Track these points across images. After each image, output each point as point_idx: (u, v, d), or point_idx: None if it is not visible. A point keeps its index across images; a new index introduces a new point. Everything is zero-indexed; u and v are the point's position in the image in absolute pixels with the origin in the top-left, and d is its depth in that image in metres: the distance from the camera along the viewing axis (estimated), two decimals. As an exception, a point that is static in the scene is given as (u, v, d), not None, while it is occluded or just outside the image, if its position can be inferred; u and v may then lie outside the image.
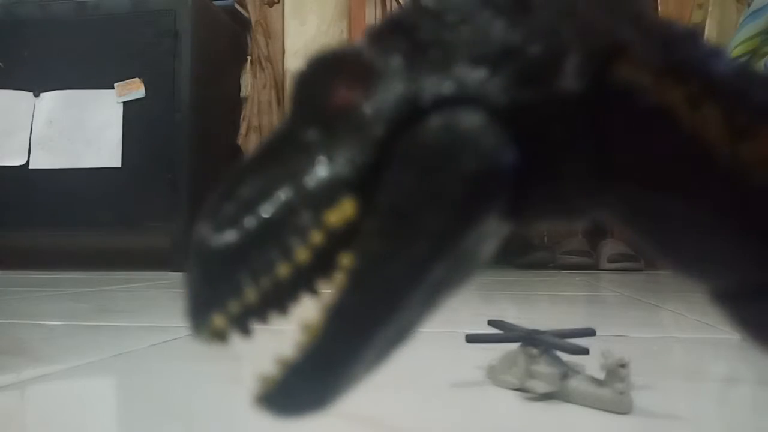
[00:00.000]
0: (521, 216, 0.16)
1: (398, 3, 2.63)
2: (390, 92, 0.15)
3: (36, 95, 1.90)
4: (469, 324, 0.77)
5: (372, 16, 2.24)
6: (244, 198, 0.16)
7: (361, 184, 0.15)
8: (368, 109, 0.15)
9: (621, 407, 0.37)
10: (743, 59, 1.61)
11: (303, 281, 0.16)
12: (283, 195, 0.15)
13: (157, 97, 1.85)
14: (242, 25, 2.29)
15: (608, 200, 0.16)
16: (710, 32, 1.85)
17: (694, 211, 0.15)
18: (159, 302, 1.10)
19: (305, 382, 0.16)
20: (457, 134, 0.14)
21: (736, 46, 1.64)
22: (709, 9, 1.86)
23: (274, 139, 0.16)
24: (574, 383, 0.39)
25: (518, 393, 0.42)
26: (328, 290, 0.16)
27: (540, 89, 0.15)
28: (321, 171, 0.15)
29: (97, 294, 1.21)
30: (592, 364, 0.41)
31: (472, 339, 0.48)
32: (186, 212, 1.82)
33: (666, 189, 0.15)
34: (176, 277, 1.61)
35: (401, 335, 0.17)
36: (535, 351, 0.42)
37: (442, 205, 0.14)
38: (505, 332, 0.47)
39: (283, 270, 0.16)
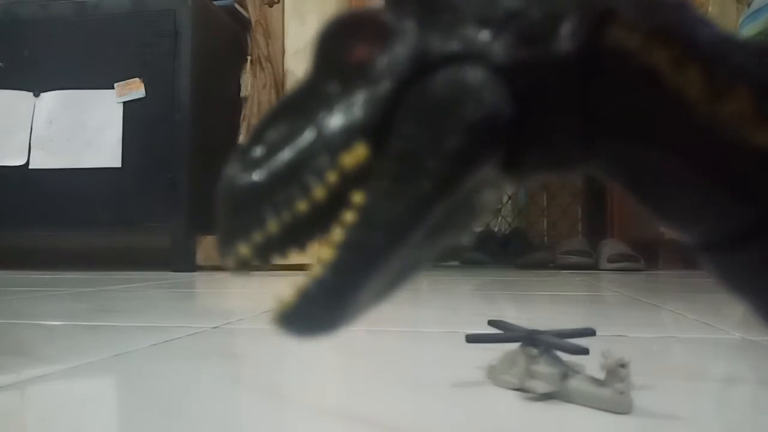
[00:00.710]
0: (519, 167, 0.18)
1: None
2: (402, 49, 0.17)
3: (36, 95, 1.90)
4: (469, 324, 0.77)
5: (372, 16, 2.24)
6: (269, 142, 0.18)
7: (374, 130, 0.17)
8: (382, 64, 0.17)
9: (621, 407, 0.37)
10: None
11: (320, 218, 0.18)
12: (303, 139, 0.17)
13: (157, 97, 1.85)
14: (242, 25, 2.29)
15: (597, 154, 0.17)
16: (710, 32, 1.85)
17: (675, 163, 0.16)
18: (159, 302, 1.10)
19: (317, 307, 0.18)
20: (460, 87, 0.16)
21: (736, 46, 1.65)
22: (709, 9, 1.86)
23: (298, 91, 0.18)
24: (574, 383, 0.39)
25: (518, 393, 0.42)
26: (340, 229, 0.18)
27: (538, 49, 0.16)
28: (338, 118, 0.17)
29: (97, 294, 1.21)
30: (592, 364, 0.41)
31: (472, 339, 0.48)
32: (186, 212, 1.83)
33: (649, 143, 0.16)
34: (176, 277, 1.61)
35: (406, 271, 0.19)
36: (535, 351, 0.42)
37: (445, 150, 0.16)
38: (505, 332, 0.47)
39: (302, 206, 0.18)
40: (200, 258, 1.89)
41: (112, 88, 1.86)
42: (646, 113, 0.16)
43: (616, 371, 0.38)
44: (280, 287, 0.18)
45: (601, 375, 0.39)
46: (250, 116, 2.21)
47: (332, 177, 0.17)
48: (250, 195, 0.18)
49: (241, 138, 2.19)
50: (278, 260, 0.18)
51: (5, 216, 1.87)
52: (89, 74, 1.88)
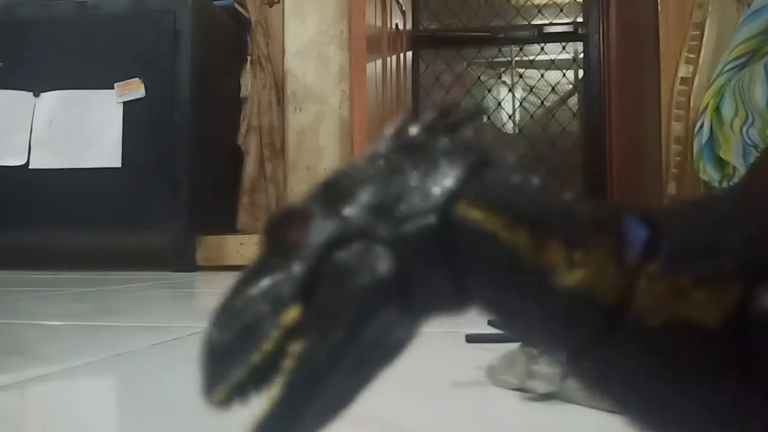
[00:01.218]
0: (413, 312, 0.23)
1: (398, 3, 2.63)
2: (317, 233, 0.23)
3: (36, 95, 1.90)
4: (469, 324, 0.77)
5: (372, 16, 2.25)
6: (234, 307, 0.24)
7: (302, 295, 0.23)
8: (306, 245, 0.23)
9: (621, 407, 0.37)
10: (743, 59, 1.61)
11: (271, 366, 0.23)
12: (255, 305, 0.24)
13: (157, 97, 1.85)
14: (242, 25, 2.29)
15: (472, 297, 0.23)
16: (710, 32, 1.85)
17: (519, 302, 0.21)
18: (159, 302, 1.10)
19: None
20: (355, 259, 0.22)
21: (736, 46, 1.64)
22: (709, 9, 1.86)
23: (255, 265, 0.24)
24: (574, 383, 0.39)
25: (518, 393, 0.42)
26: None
27: (411, 225, 0.22)
28: (279, 287, 0.23)
29: (97, 294, 1.21)
30: (592, 364, 0.41)
31: (472, 339, 0.48)
32: (186, 212, 1.83)
33: (499, 288, 0.21)
34: (176, 277, 1.62)
35: (345, 398, 0.24)
36: (535, 351, 0.42)
37: (349, 306, 0.22)
38: (505, 332, 0.47)
39: (255, 358, 0.23)
40: (200, 258, 1.89)
41: (112, 88, 1.86)
42: (491, 267, 0.21)
43: (616, 371, 0.38)
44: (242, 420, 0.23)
45: (601, 375, 0.39)
46: (250, 116, 2.21)
47: (275, 333, 0.23)
48: (219, 352, 0.24)
49: (241, 138, 2.19)
50: (252, 397, 0.24)
51: (5, 216, 1.87)
52: (89, 74, 1.88)
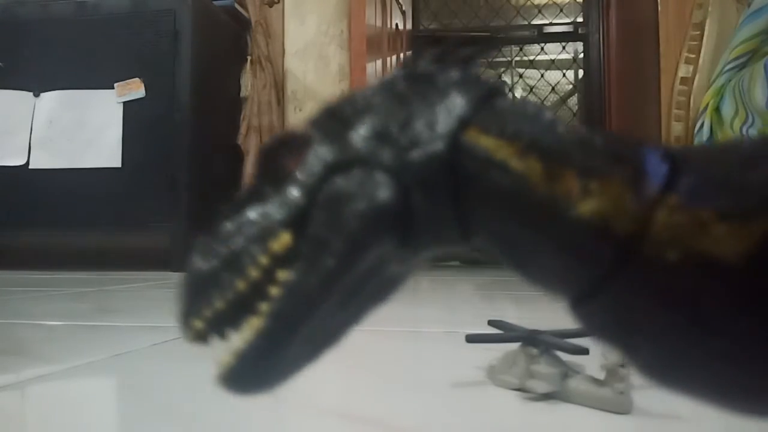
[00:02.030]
0: (412, 246, 0.22)
1: (398, 3, 2.63)
2: (316, 159, 0.22)
3: (36, 95, 1.90)
4: (469, 324, 0.77)
5: (372, 16, 2.24)
6: (221, 235, 0.23)
7: (294, 222, 0.22)
8: (302, 171, 0.22)
9: (621, 407, 0.37)
10: (743, 59, 1.61)
11: (257, 294, 0.22)
12: (244, 232, 0.22)
13: (157, 97, 1.85)
14: (242, 25, 2.29)
15: (474, 231, 0.22)
16: (710, 32, 1.85)
17: (527, 235, 0.20)
18: (159, 302, 1.10)
19: (251, 367, 0.22)
20: (355, 186, 0.21)
21: (736, 46, 1.64)
22: (709, 9, 1.86)
23: (245, 194, 0.23)
24: (574, 383, 0.39)
25: (518, 393, 0.42)
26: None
27: (416, 153, 0.21)
28: (269, 214, 0.22)
29: (97, 294, 1.21)
30: (592, 364, 0.41)
31: (472, 339, 0.48)
32: (186, 212, 1.83)
33: (506, 219, 0.20)
34: (176, 277, 1.61)
35: (335, 333, 0.23)
36: (535, 351, 0.42)
37: (344, 233, 0.21)
38: (505, 332, 0.47)
39: (241, 285, 0.22)
40: (200, 258, 1.89)
41: (112, 88, 1.86)
42: (501, 197, 0.20)
43: (616, 371, 0.38)
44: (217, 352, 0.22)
45: (601, 375, 0.39)
46: (250, 116, 2.21)
47: (263, 260, 0.22)
48: (202, 279, 0.22)
49: (241, 138, 2.19)
50: (229, 332, 0.22)
51: (5, 216, 1.86)
52: (89, 74, 1.88)
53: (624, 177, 0.18)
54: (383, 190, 0.21)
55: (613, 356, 0.38)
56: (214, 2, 2.15)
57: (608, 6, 2.62)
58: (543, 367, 0.41)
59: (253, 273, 0.22)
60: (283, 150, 0.23)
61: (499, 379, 0.43)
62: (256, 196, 0.23)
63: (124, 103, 1.86)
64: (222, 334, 0.23)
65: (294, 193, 0.22)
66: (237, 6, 2.26)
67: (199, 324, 0.23)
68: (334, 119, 0.23)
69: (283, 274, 0.21)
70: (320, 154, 0.22)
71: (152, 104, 1.85)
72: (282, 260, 0.22)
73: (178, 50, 1.86)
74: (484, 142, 0.21)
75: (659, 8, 1.93)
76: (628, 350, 0.19)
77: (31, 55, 1.91)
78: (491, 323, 0.49)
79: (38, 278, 1.55)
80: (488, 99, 0.22)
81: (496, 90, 0.22)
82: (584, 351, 0.41)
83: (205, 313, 0.22)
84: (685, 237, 0.17)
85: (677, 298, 0.17)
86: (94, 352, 0.60)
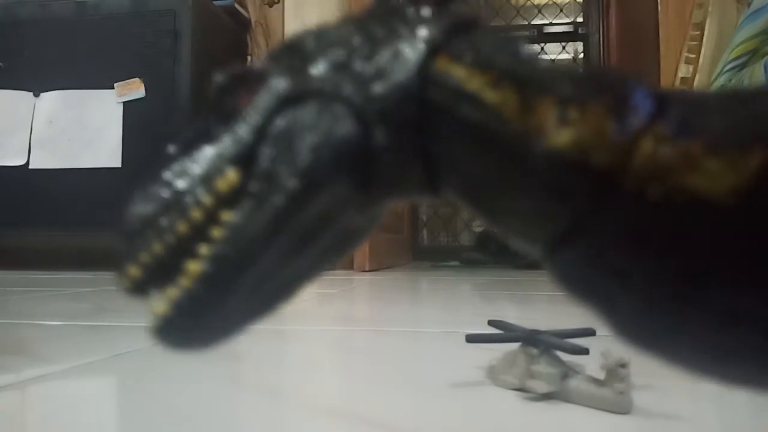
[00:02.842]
0: (371, 191, 0.20)
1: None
2: (269, 92, 0.20)
3: (36, 95, 1.90)
4: (469, 324, 0.77)
5: (372, 16, 2.24)
6: (162, 178, 0.20)
7: (242, 158, 0.20)
8: (253, 106, 0.20)
9: (621, 407, 0.37)
10: (743, 59, 1.61)
11: (199, 237, 0.20)
12: (187, 171, 0.20)
13: (157, 97, 1.85)
14: (242, 25, 2.29)
15: (440, 172, 0.20)
16: (710, 32, 1.85)
17: (498, 173, 0.18)
18: (159, 302, 1.10)
19: (189, 319, 0.19)
20: (311, 118, 0.19)
21: (736, 46, 1.64)
22: (709, 9, 1.86)
23: (192, 132, 0.21)
24: (574, 383, 0.39)
25: (518, 393, 0.42)
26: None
27: (379, 85, 0.19)
28: (214, 151, 0.20)
29: (97, 294, 1.21)
30: (592, 364, 0.41)
31: (472, 339, 0.48)
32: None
33: (476, 158, 0.18)
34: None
35: (287, 286, 0.21)
36: (535, 351, 0.42)
37: (296, 169, 0.19)
38: (505, 332, 0.47)
39: (182, 227, 0.20)
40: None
41: (112, 88, 1.86)
42: (472, 132, 0.18)
43: (616, 371, 0.38)
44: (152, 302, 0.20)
45: (601, 375, 0.39)
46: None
47: (207, 200, 0.20)
48: (139, 223, 0.20)
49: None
50: (170, 279, 0.20)
51: (5, 216, 1.86)
52: (89, 74, 1.88)
53: (606, 105, 0.17)
54: (342, 124, 0.19)
55: (613, 356, 0.38)
56: (214, 2, 2.15)
57: (608, 6, 2.62)
58: (543, 367, 0.41)
59: (196, 214, 0.20)
60: (237, 85, 0.21)
61: (499, 379, 0.43)
62: (206, 134, 0.21)
63: (124, 103, 1.86)
64: (160, 285, 0.20)
65: (244, 128, 0.20)
66: (237, 6, 2.26)
67: (135, 271, 0.20)
68: (293, 53, 0.21)
69: (228, 215, 0.19)
70: (274, 86, 0.20)
71: (152, 104, 1.85)
72: (228, 201, 0.20)
73: (178, 50, 1.86)
74: (455, 72, 0.19)
75: (659, 8, 1.93)
76: (606, 306, 0.18)
77: (31, 55, 1.91)
78: (491, 323, 0.49)
79: (38, 278, 1.54)
80: (462, 28, 0.20)
81: (472, 21, 0.20)
82: (584, 351, 0.41)
83: (142, 259, 0.20)
84: (671, 171, 0.16)
85: (662, 241, 0.16)
86: (94, 352, 0.60)
